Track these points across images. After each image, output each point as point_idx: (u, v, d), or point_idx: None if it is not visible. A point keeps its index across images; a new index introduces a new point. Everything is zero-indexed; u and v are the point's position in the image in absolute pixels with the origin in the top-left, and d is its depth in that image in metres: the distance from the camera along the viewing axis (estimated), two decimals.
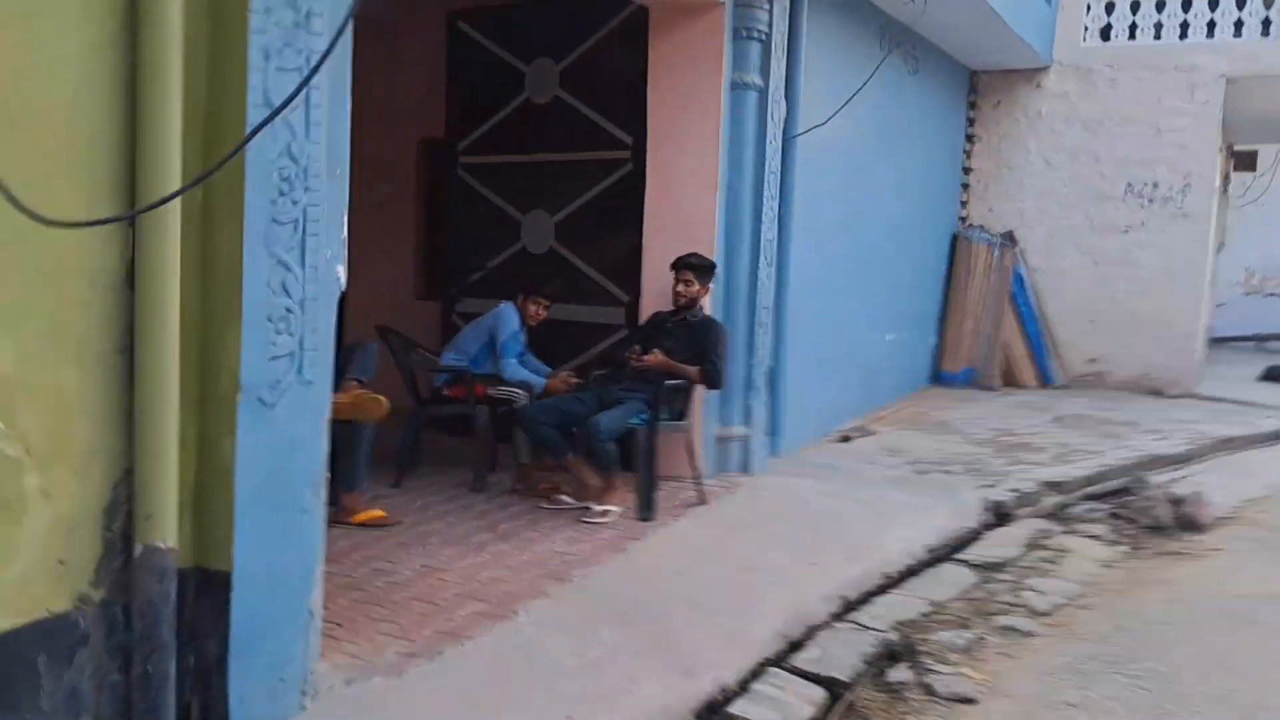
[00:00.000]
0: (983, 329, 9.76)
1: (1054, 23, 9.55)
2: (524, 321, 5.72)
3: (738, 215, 5.70)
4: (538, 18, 6.29)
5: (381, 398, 4.58)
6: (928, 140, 9.01)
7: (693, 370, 5.20)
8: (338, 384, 4.60)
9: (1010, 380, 9.84)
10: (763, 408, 5.96)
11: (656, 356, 5.19)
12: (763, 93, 5.67)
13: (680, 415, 5.26)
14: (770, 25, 5.61)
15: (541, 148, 6.39)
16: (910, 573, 4.62)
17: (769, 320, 5.97)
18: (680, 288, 5.34)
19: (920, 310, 9.42)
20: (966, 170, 10.11)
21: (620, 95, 5.93)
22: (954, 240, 9.93)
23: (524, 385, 5.48)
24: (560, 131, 6.30)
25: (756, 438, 5.93)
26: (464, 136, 6.67)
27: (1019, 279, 9.91)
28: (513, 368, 5.55)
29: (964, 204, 10.15)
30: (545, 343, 6.01)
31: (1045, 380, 9.89)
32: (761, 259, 5.81)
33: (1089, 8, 9.61)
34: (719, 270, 5.58)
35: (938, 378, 9.78)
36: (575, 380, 5.61)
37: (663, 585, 4.08)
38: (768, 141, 5.71)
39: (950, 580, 4.58)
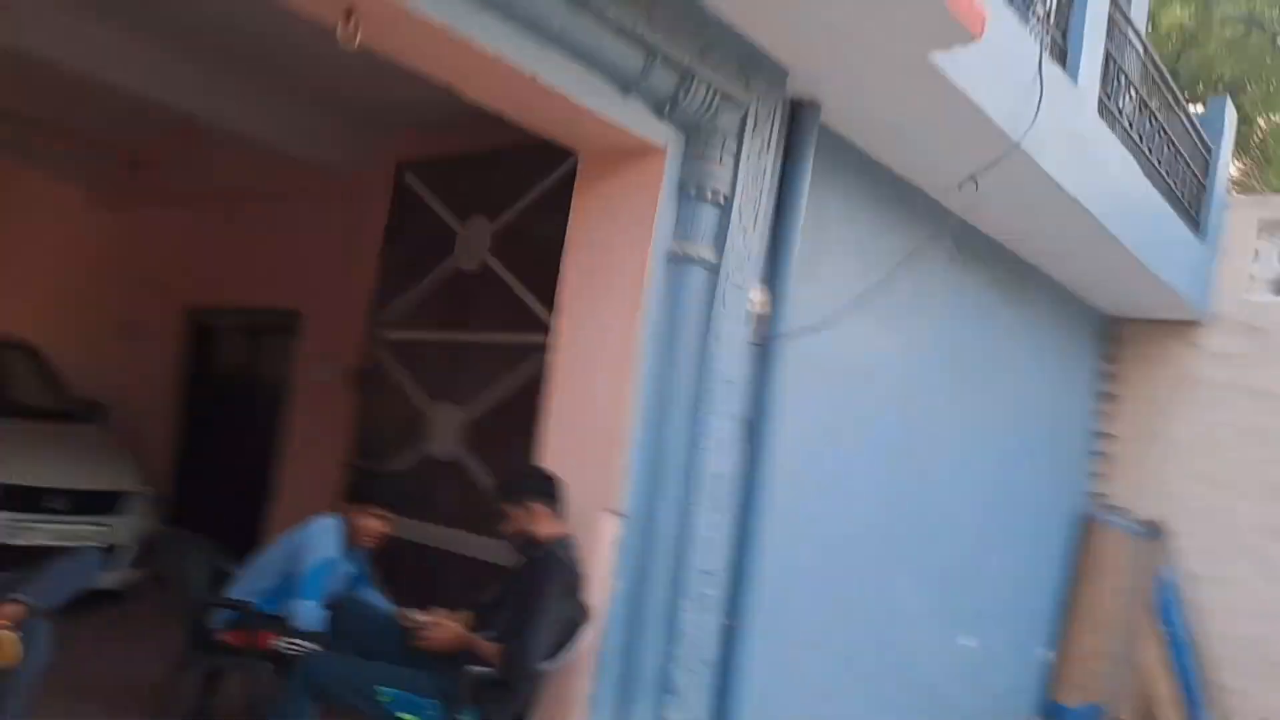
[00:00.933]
0: (1110, 648, 7.26)
1: (1210, 266, 7.51)
2: (354, 541, 4.14)
3: (664, 434, 4.02)
4: (482, 168, 5.08)
5: (12, 637, 3.03)
6: (1040, 388, 7.00)
7: (489, 649, 3.42)
8: None
9: None
10: None
11: (442, 624, 3.46)
12: (714, 271, 4.10)
13: None
14: (733, 186, 4.10)
15: (462, 325, 5.01)
16: None
17: (711, 591, 4.12)
18: (503, 524, 3.69)
19: (1023, 609, 7.10)
20: (1101, 435, 7.92)
21: (551, 265, 4.50)
22: (1081, 522, 7.64)
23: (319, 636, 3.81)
24: (484, 306, 4.93)
25: None
26: (387, 303, 5.40)
27: (1168, 589, 7.43)
28: (307, 612, 3.91)
29: (1097, 477, 7.91)
30: (432, 582, 4.41)
31: None
32: (700, 501, 4.04)
33: (1257, 253, 7.56)
34: (630, 507, 3.88)
35: (1051, 711, 7.27)
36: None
37: None
38: (716, 336, 4.07)
39: None
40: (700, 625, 4.10)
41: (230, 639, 3.95)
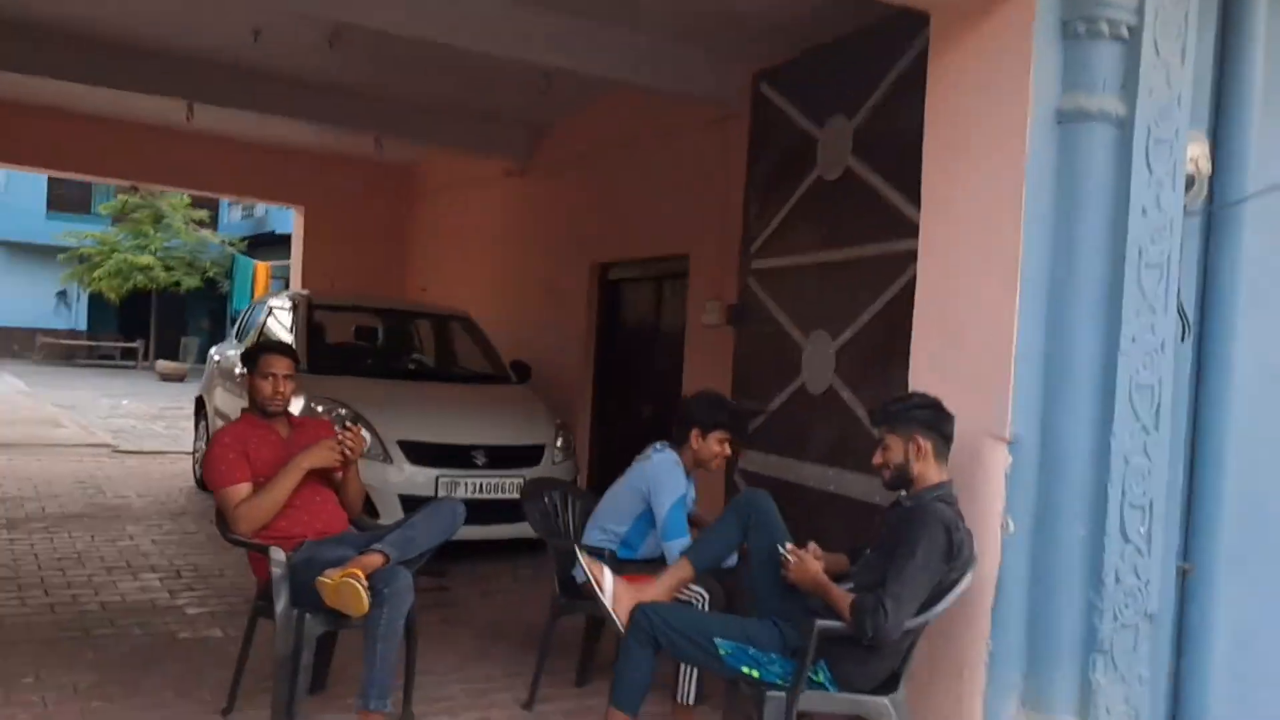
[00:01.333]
0: None
1: None
2: (693, 468, 3.88)
3: (1065, 340, 3.23)
4: (833, 61, 4.50)
5: (360, 589, 3.11)
6: None
7: (843, 600, 2.88)
8: (340, 557, 3.30)
9: None
10: (1130, 694, 3.23)
11: (806, 562, 2.99)
12: (1123, 126, 3.20)
13: (861, 683, 2.93)
14: (1140, 10, 3.16)
15: (829, 243, 4.50)
16: None
17: (1146, 528, 3.26)
18: (877, 453, 3.10)
19: None
20: None
21: (918, 158, 3.83)
22: None
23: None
24: (850, 216, 4.37)
25: None
26: (757, 233, 5.03)
27: None
28: (671, 551, 3.68)
29: None
30: (810, 525, 4.06)
31: None
32: (1121, 420, 3.20)
33: None
34: (1024, 433, 3.18)
35: None
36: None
37: None
38: (1134, 209, 3.17)
39: None
40: (1135, 570, 3.25)
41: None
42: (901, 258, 3.94)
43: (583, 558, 3.27)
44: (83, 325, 28.64)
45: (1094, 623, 3.22)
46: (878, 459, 3.11)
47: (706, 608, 3.44)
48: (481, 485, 5.94)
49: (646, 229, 7.35)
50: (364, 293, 9.46)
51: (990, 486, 3.24)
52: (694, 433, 3.82)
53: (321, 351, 7.01)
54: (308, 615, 3.25)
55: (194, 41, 7.14)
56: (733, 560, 3.57)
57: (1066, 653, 3.24)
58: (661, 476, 3.76)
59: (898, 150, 4.01)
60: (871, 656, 2.87)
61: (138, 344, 26.27)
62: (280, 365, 3.62)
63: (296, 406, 6.09)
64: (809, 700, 2.91)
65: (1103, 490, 3.20)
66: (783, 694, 2.86)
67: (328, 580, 3.10)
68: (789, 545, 3.09)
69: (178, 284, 24.39)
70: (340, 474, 3.65)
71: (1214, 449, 3.49)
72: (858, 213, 4.31)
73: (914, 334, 3.60)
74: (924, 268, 3.58)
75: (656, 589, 3.23)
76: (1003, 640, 3.25)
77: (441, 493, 5.88)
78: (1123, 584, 3.23)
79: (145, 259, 23.78)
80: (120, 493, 7.69)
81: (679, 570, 3.28)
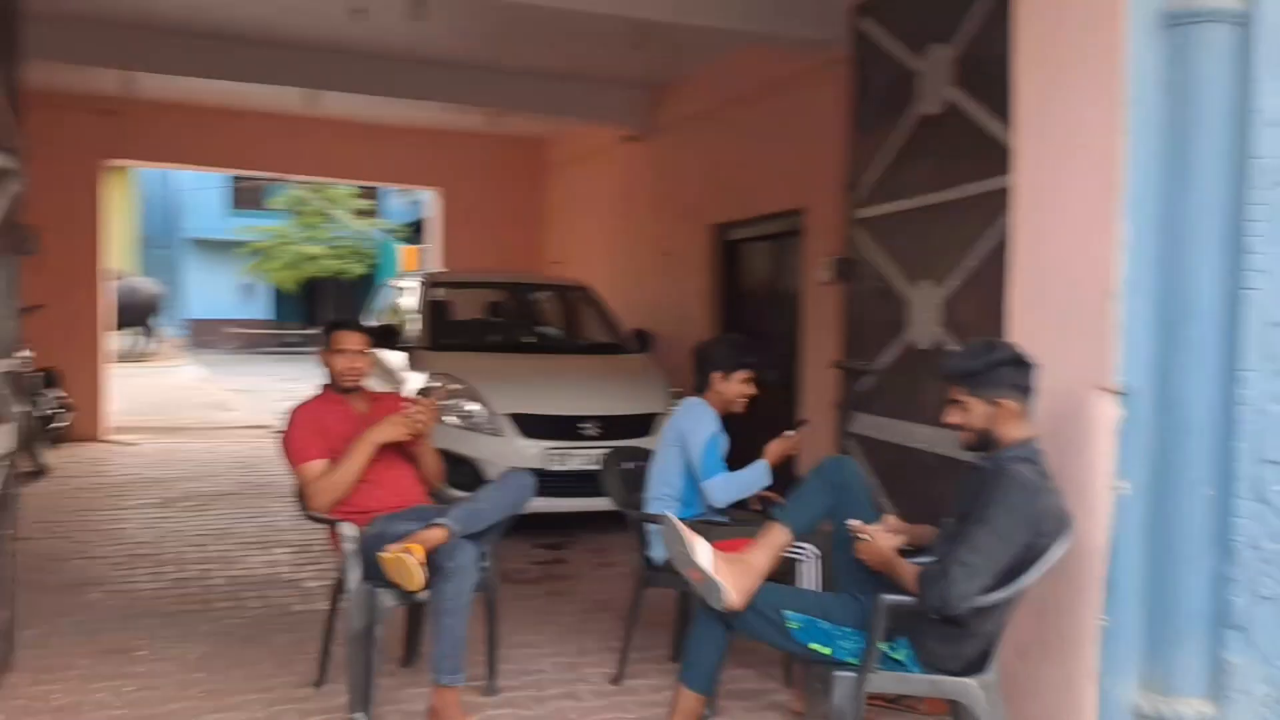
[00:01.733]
0: None
1: None
2: (724, 410, 3.88)
3: (1179, 275, 2.83)
4: None
5: (414, 563, 3.06)
6: None
7: (911, 574, 2.61)
8: (406, 531, 3.28)
9: None
10: (1273, 675, 2.83)
11: (876, 538, 2.73)
12: (1243, 23, 2.76)
13: (947, 663, 2.67)
14: None
15: (931, 184, 4.14)
16: None
17: None
18: (953, 413, 2.80)
19: None
20: None
21: None
22: None
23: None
24: (953, 153, 4.00)
25: None
26: (861, 180, 4.70)
27: None
28: (721, 488, 3.65)
29: None
30: (924, 490, 3.83)
31: None
32: (1250, 366, 2.78)
33: None
34: (1135, 381, 2.82)
35: None
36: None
37: None
38: (1261, 120, 2.73)
39: None
40: (1276, 536, 2.84)
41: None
42: (1005, 195, 3.57)
43: (677, 526, 2.99)
44: (267, 315, 30.49)
45: (1227, 596, 2.83)
46: (955, 418, 2.81)
47: (818, 567, 3.28)
48: (592, 456, 5.88)
49: (762, 186, 7.09)
50: (488, 269, 9.56)
51: (1098, 444, 2.89)
52: (715, 375, 3.82)
53: (441, 328, 7.10)
54: (378, 590, 3.25)
55: (297, 26, 7.26)
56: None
57: (1194, 629, 2.86)
58: (690, 419, 3.73)
59: (999, 78, 3.62)
60: (959, 634, 2.60)
61: (317, 330, 27.70)
62: (352, 341, 3.62)
63: (418, 382, 6.28)
64: (884, 681, 2.67)
65: (1232, 446, 2.80)
66: (852, 674, 2.63)
67: (386, 555, 3.08)
68: (854, 523, 2.83)
69: (346, 272, 25.58)
70: (416, 448, 3.62)
71: None
72: (960, 149, 3.94)
73: (1011, 273, 3.26)
74: (1019, 197, 3.24)
75: (759, 556, 2.86)
76: (1119, 614, 2.90)
77: (552, 465, 5.85)
78: (1260, 551, 2.82)
79: (314, 249, 25.05)
80: (270, 472, 8.06)
81: (776, 535, 2.96)
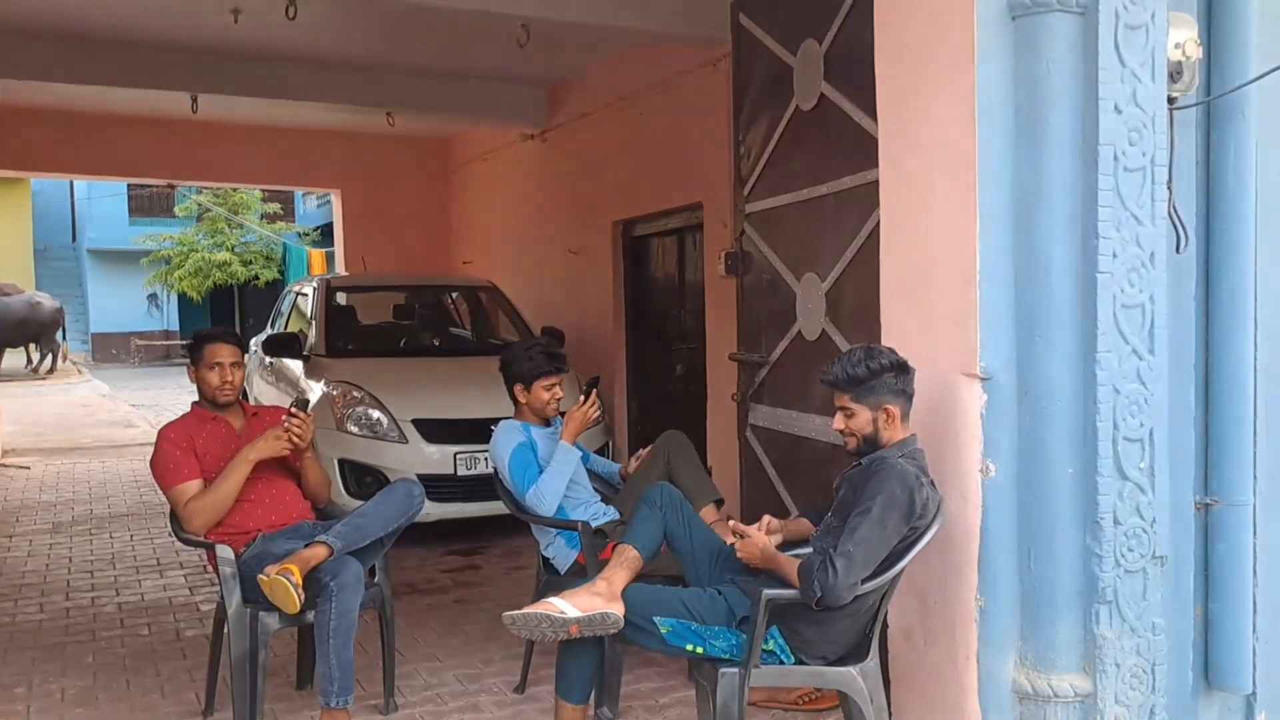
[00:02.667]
0: None
1: None
2: (539, 419, 3.84)
3: (1033, 259, 2.90)
4: None
5: (290, 585, 2.99)
6: None
7: (791, 567, 2.65)
8: (288, 551, 3.20)
9: None
10: (1142, 645, 2.93)
11: (751, 538, 2.77)
12: (1086, 12, 2.83)
13: (820, 649, 2.71)
14: None
15: (810, 178, 4.19)
16: None
17: (1147, 462, 2.93)
18: (837, 419, 2.85)
19: None
20: None
21: None
22: None
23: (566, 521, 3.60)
24: (827, 147, 4.06)
25: (1111, 703, 2.93)
26: (747, 175, 4.74)
27: None
28: (540, 495, 3.56)
29: None
30: (820, 480, 3.86)
31: None
32: (1106, 346, 2.87)
33: None
34: (996, 366, 2.89)
35: None
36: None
37: None
38: (1105, 106, 2.81)
39: None
40: (1138, 509, 2.93)
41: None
42: (876, 187, 3.63)
43: (521, 615, 2.81)
44: (174, 325, 29.61)
45: (1093, 570, 2.92)
46: (840, 425, 2.86)
47: None
48: None
49: (661, 181, 7.11)
50: (393, 273, 9.42)
51: (967, 428, 2.95)
52: (518, 390, 3.77)
53: (340, 334, 6.98)
54: (262, 614, 3.17)
55: (177, 29, 7.06)
56: None
57: (1065, 604, 2.94)
58: (494, 446, 3.70)
59: (867, 71, 3.68)
60: (828, 617, 2.64)
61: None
62: (225, 354, 3.51)
63: (316, 392, 6.14)
64: (767, 676, 2.70)
65: (1091, 424, 2.88)
66: (735, 669, 2.65)
67: (264, 578, 3.01)
68: (731, 523, 2.88)
69: (256, 278, 24.99)
70: (297, 462, 3.55)
71: (1231, 370, 3.12)
72: (835, 142, 3.99)
73: (881, 264, 3.32)
74: (884, 190, 3.30)
75: (618, 574, 2.84)
76: (994, 594, 2.97)
77: (462, 470, 5.79)
78: (1123, 525, 2.91)
79: (222, 255, 24.42)
80: None
81: (627, 552, 2.90)
